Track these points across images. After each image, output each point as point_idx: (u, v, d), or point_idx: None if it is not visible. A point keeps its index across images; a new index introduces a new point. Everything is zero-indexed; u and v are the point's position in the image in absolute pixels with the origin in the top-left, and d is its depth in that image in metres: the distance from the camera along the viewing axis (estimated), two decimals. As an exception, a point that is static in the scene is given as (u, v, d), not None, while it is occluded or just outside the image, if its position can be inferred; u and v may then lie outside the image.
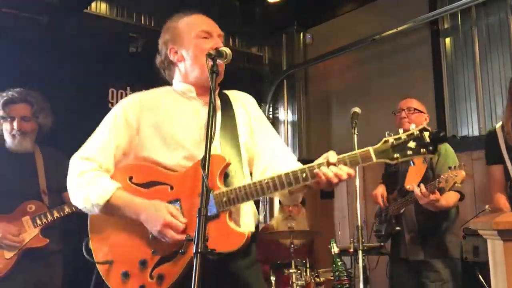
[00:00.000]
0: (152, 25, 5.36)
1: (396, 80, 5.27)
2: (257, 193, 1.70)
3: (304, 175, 1.66)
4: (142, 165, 1.87)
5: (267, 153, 1.96)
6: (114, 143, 1.88)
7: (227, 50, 1.79)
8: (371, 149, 1.65)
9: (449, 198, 3.11)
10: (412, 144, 1.61)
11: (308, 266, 3.98)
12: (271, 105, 6.56)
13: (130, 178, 1.86)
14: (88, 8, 4.83)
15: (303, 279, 3.90)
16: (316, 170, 1.65)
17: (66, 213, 3.10)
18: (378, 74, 5.48)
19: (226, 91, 2.05)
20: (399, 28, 5.06)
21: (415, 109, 3.40)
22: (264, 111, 6.44)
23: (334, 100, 6.08)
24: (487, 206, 4.02)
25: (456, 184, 2.89)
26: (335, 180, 1.63)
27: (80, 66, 4.50)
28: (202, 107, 1.91)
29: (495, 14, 4.53)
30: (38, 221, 3.06)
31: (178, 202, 1.78)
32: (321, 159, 1.67)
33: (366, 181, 5.04)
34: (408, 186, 3.08)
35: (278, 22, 6.37)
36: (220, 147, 1.84)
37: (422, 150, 1.60)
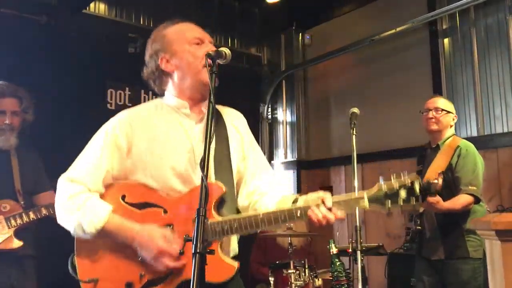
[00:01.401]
0: (151, 25, 5.35)
1: (395, 80, 5.27)
2: (251, 227, 1.68)
3: (298, 213, 1.68)
4: (136, 184, 1.81)
5: (254, 177, 1.95)
6: (103, 166, 1.80)
7: (226, 51, 1.74)
8: (365, 195, 1.67)
9: (457, 201, 3.10)
10: (403, 194, 1.64)
11: (306, 267, 3.99)
12: (269, 106, 6.56)
13: (123, 197, 1.80)
14: (87, 8, 4.82)
15: (302, 279, 3.90)
16: (309, 212, 1.67)
17: (43, 215, 2.96)
18: (377, 75, 5.49)
19: (218, 106, 1.95)
20: (398, 29, 5.06)
21: (442, 109, 3.34)
22: (263, 112, 6.49)
23: (333, 101, 6.08)
24: (485, 206, 4.03)
25: (436, 190, 2.90)
26: (323, 222, 1.67)
27: (78, 67, 4.49)
28: (195, 126, 1.87)
29: (493, 15, 4.53)
30: (13, 222, 2.91)
31: (171, 227, 1.73)
32: (316, 198, 1.70)
33: (365, 180, 5.04)
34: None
35: (277, 23, 6.38)
36: (214, 171, 1.81)
37: (411, 200, 1.63)
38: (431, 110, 3.35)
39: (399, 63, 5.29)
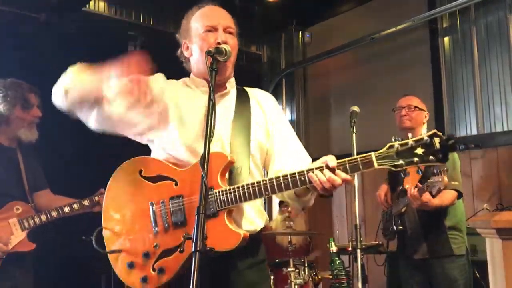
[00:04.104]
0: (151, 23, 5.35)
1: (395, 79, 5.27)
2: (254, 194, 1.69)
3: (302, 178, 1.64)
4: (151, 159, 1.93)
5: (281, 156, 1.93)
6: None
7: (226, 48, 1.79)
8: (373, 154, 1.57)
9: (444, 197, 3.10)
10: (419, 151, 1.50)
11: (306, 265, 3.99)
12: (269, 104, 6.55)
13: (140, 172, 1.90)
14: (87, 6, 4.81)
15: (301, 277, 3.90)
16: (310, 174, 1.62)
17: (53, 218, 2.99)
18: (377, 73, 5.48)
19: (247, 88, 2.06)
20: (398, 27, 5.06)
21: (415, 106, 3.38)
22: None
23: (333, 99, 6.07)
24: (485, 205, 4.03)
25: (442, 189, 2.90)
26: (327, 185, 1.59)
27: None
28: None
29: (494, 13, 4.52)
30: (26, 224, 2.93)
31: (181, 198, 1.80)
32: (319, 163, 1.64)
33: (365, 179, 5.04)
34: (406, 186, 3.07)
35: (277, 21, 6.36)
36: (229, 143, 1.85)
37: (430, 157, 1.49)
38: (404, 107, 3.38)
39: (399, 61, 5.28)
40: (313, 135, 6.30)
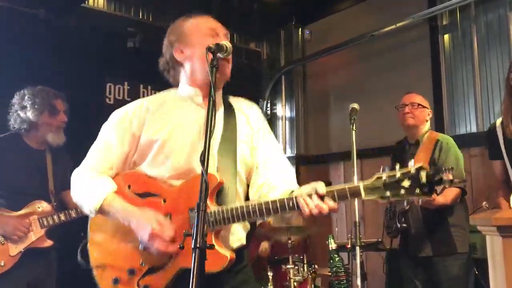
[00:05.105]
0: (151, 20, 5.34)
1: (395, 76, 5.26)
2: (243, 216, 1.69)
3: (291, 203, 1.64)
4: (140, 174, 1.88)
5: (266, 169, 1.92)
6: (117, 149, 1.88)
7: (227, 44, 1.76)
8: (361, 185, 1.60)
9: (448, 195, 3.10)
10: (406, 183, 1.54)
11: (305, 262, 3.99)
12: (269, 101, 6.55)
13: (129, 187, 1.87)
14: (86, 2, 4.80)
15: (301, 274, 3.91)
16: (300, 201, 1.62)
17: (72, 217, 3.11)
18: (376, 71, 5.48)
19: (231, 98, 2.01)
20: (398, 25, 5.05)
21: (418, 104, 3.36)
22: (262, 107, 6.46)
23: (332, 97, 6.07)
24: (484, 203, 4.03)
25: (446, 187, 2.89)
26: (314, 212, 1.60)
27: (77, 61, 4.47)
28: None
29: (494, 11, 4.52)
30: (45, 222, 3.08)
31: (169, 216, 1.78)
32: (309, 189, 1.64)
33: (364, 177, 5.03)
34: None
35: (277, 18, 6.35)
36: (217, 161, 1.82)
37: (416, 190, 1.52)
38: (407, 105, 3.37)
39: (399, 59, 5.28)
40: (313, 132, 6.30)
